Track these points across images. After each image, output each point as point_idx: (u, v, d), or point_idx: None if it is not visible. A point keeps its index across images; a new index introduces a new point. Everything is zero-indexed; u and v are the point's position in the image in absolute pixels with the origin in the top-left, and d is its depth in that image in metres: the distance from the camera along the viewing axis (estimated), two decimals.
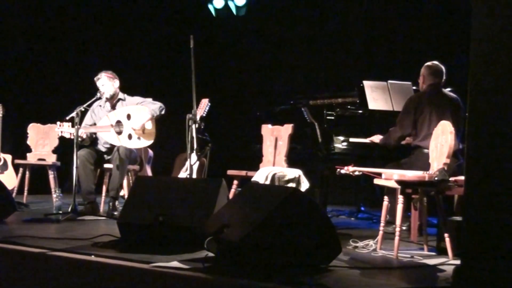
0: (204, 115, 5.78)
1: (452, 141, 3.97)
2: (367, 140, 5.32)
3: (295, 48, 8.20)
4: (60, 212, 5.42)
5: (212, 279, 3.10)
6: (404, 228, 4.75)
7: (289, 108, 5.98)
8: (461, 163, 4.49)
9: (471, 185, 2.91)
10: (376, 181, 4.34)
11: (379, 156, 5.27)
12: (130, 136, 5.75)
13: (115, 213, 5.47)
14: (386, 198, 4.22)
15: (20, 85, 7.96)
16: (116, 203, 5.62)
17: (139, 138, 5.77)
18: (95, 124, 5.91)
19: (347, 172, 4.31)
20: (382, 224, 4.13)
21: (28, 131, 6.58)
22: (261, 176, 4.98)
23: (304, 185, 4.99)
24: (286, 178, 4.96)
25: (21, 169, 6.45)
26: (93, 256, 3.56)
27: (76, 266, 3.51)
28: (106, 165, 5.89)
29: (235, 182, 5.53)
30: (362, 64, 7.54)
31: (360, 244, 4.24)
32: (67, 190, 6.62)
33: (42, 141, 6.56)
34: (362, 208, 6.55)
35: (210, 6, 8.42)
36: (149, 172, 6.83)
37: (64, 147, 6.37)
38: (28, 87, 7.99)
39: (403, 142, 5.07)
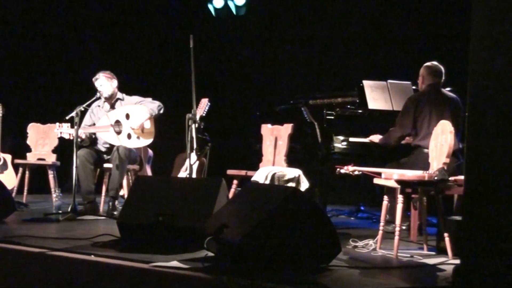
0: (203, 114, 5.78)
1: (452, 140, 3.97)
2: (366, 140, 5.32)
3: (295, 48, 8.19)
4: (60, 211, 5.42)
5: (211, 279, 3.10)
6: (403, 227, 4.75)
7: (289, 107, 5.98)
8: (461, 163, 4.49)
9: (471, 185, 2.92)
10: (376, 180, 4.34)
11: (379, 156, 5.27)
12: (129, 136, 5.75)
13: (115, 212, 5.47)
14: (385, 197, 4.22)
15: (20, 85, 7.96)
16: (116, 202, 5.62)
17: (138, 137, 5.77)
18: (94, 124, 5.91)
19: (347, 171, 4.31)
20: (381, 223, 4.13)
21: (28, 131, 6.58)
22: (261, 175, 4.98)
23: (304, 184, 4.99)
24: (286, 177, 4.96)
25: (20, 169, 6.45)
26: (92, 256, 3.56)
27: (76, 266, 3.51)
28: (105, 165, 5.89)
29: (235, 181, 5.53)
30: (362, 64, 7.53)
31: (360, 243, 4.24)
32: (67, 190, 6.62)
33: (42, 140, 6.56)
34: (362, 208, 6.55)
35: (210, 6, 8.42)
36: (149, 172, 6.83)
37: (64, 147, 6.37)
38: (28, 87, 7.99)
39: (403, 142, 5.07)
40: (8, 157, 6.75)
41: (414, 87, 5.61)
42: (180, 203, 4.02)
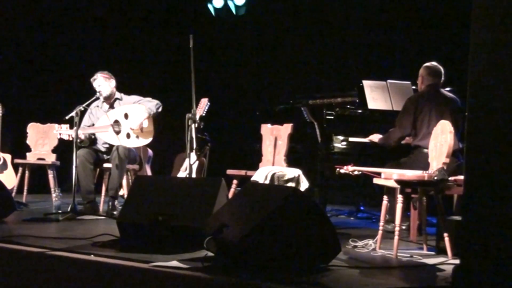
0: (203, 114, 5.78)
1: (452, 140, 3.97)
2: (366, 140, 5.32)
3: (295, 48, 8.19)
4: (60, 211, 5.42)
5: (211, 278, 3.10)
6: (403, 227, 4.75)
7: (289, 107, 5.98)
8: (461, 163, 4.49)
9: (470, 185, 2.92)
10: (376, 180, 4.34)
11: (378, 156, 5.27)
12: (128, 135, 5.75)
13: (115, 212, 5.47)
14: (385, 197, 4.22)
15: (20, 85, 7.96)
16: (116, 202, 5.62)
17: (137, 137, 5.77)
18: (93, 125, 5.92)
19: (347, 171, 4.31)
20: (381, 223, 4.13)
21: (28, 131, 6.58)
22: (260, 175, 4.98)
23: (304, 184, 4.99)
24: (286, 177, 4.96)
25: (20, 169, 6.45)
26: (92, 255, 3.56)
27: (76, 266, 3.51)
28: (105, 165, 5.89)
29: (235, 181, 5.53)
30: (362, 64, 7.53)
31: (360, 243, 4.24)
32: (67, 189, 6.62)
33: (41, 140, 6.56)
34: (362, 208, 6.55)
35: (209, 6, 8.42)
36: (148, 172, 6.83)
37: (64, 147, 6.37)
38: (28, 87, 7.98)
39: (403, 142, 5.07)
40: (8, 157, 6.76)
41: (414, 87, 5.61)
42: (180, 203, 4.02)
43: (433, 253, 4.16)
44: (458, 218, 4.15)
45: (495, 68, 2.83)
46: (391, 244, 4.03)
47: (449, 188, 4.15)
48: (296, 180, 4.97)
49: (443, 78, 4.98)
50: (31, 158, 6.50)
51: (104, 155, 5.90)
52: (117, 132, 5.73)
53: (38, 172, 6.73)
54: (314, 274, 3.27)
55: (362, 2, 7.70)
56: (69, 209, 5.25)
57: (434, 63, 5.00)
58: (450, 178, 4.04)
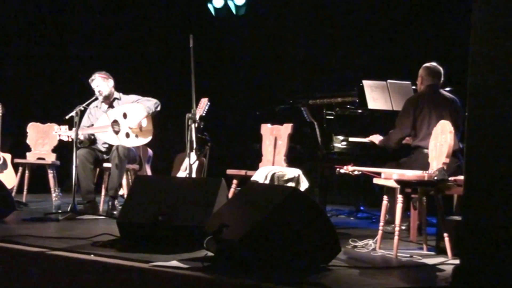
0: (203, 114, 5.78)
1: (452, 140, 3.97)
2: (366, 140, 5.32)
3: (295, 48, 8.19)
4: (60, 211, 5.43)
5: (211, 278, 3.10)
6: (403, 227, 4.75)
7: (289, 107, 5.98)
8: (461, 164, 4.48)
9: (470, 185, 2.92)
10: (376, 180, 4.34)
11: (378, 156, 5.26)
12: (127, 135, 5.75)
13: (115, 212, 5.48)
14: (385, 197, 4.22)
15: (20, 85, 7.95)
16: (116, 202, 5.62)
17: (136, 136, 5.77)
18: (92, 125, 5.92)
19: (347, 171, 4.31)
20: (381, 223, 4.13)
21: (28, 130, 6.58)
22: (260, 175, 4.98)
23: (304, 184, 4.99)
24: (286, 177, 4.96)
25: (20, 168, 6.45)
26: (92, 255, 3.56)
27: (76, 265, 3.51)
28: (105, 165, 5.90)
29: (235, 181, 5.53)
30: (362, 64, 7.53)
31: (360, 243, 4.24)
32: (67, 189, 6.62)
33: (41, 140, 6.56)
34: (362, 208, 6.55)
35: (209, 6, 8.42)
36: (148, 172, 6.83)
37: (64, 147, 6.37)
38: (28, 87, 7.98)
39: (403, 142, 5.07)
40: (8, 157, 6.75)
41: (414, 87, 5.61)
42: (180, 202, 4.02)
43: (433, 253, 4.16)
44: (458, 218, 4.15)
45: (495, 68, 2.82)
46: (391, 244, 4.03)
47: (449, 188, 4.15)
48: (296, 180, 4.97)
49: (442, 79, 4.98)
50: (31, 157, 6.50)
51: (104, 155, 5.90)
52: (116, 132, 5.74)
53: (38, 171, 6.73)
54: (314, 274, 3.27)
55: (362, 2, 7.70)
56: (69, 209, 5.26)
57: (434, 63, 5.00)
58: (450, 178, 4.04)
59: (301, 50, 8.15)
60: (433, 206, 4.15)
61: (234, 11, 8.38)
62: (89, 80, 5.88)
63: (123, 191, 5.97)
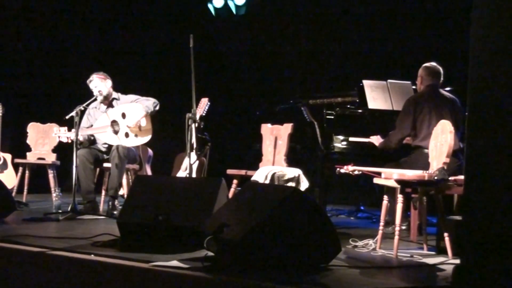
0: (203, 114, 5.78)
1: (452, 140, 3.97)
2: (366, 140, 5.32)
3: (295, 48, 8.19)
4: (60, 211, 5.43)
5: (211, 278, 3.10)
6: (403, 227, 4.75)
7: (289, 107, 5.98)
8: (461, 164, 4.48)
9: (470, 185, 2.92)
10: (376, 180, 4.34)
11: (378, 156, 5.26)
12: (127, 135, 5.75)
13: (115, 212, 5.48)
14: (385, 197, 4.22)
15: (20, 85, 7.95)
16: (116, 202, 5.62)
17: (136, 135, 5.78)
18: (91, 126, 5.92)
19: (347, 171, 4.31)
20: (381, 223, 4.13)
21: (28, 130, 6.58)
22: (260, 175, 4.98)
23: (304, 184, 4.99)
24: (286, 177, 4.96)
25: (20, 168, 6.45)
26: (92, 255, 3.56)
27: (76, 265, 3.51)
28: (105, 165, 5.90)
29: (235, 181, 5.53)
30: (362, 64, 7.53)
31: (360, 243, 4.24)
32: (67, 189, 6.62)
33: (41, 140, 6.56)
34: (362, 208, 6.55)
35: (209, 6, 8.42)
36: (148, 172, 6.83)
37: (64, 147, 6.37)
38: (28, 87, 7.98)
39: (403, 142, 5.06)
40: (8, 157, 6.75)
41: (414, 87, 5.60)
42: (180, 202, 4.02)
43: (433, 253, 4.16)
44: (458, 218, 4.15)
45: (495, 68, 2.83)
46: (391, 244, 4.03)
47: (449, 188, 4.15)
48: (296, 180, 4.97)
49: (442, 79, 4.98)
50: (31, 157, 6.51)
51: (104, 155, 5.90)
52: (116, 132, 5.74)
53: (38, 171, 6.73)
54: (314, 274, 3.27)
55: (362, 2, 7.70)
56: (69, 208, 5.26)
57: (434, 63, 4.99)
58: (450, 178, 4.04)
59: (301, 50, 8.15)
60: (433, 206, 4.16)
61: (234, 11, 8.39)
62: (87, 81, 5.88)
63: (123, 191, 5.97)
